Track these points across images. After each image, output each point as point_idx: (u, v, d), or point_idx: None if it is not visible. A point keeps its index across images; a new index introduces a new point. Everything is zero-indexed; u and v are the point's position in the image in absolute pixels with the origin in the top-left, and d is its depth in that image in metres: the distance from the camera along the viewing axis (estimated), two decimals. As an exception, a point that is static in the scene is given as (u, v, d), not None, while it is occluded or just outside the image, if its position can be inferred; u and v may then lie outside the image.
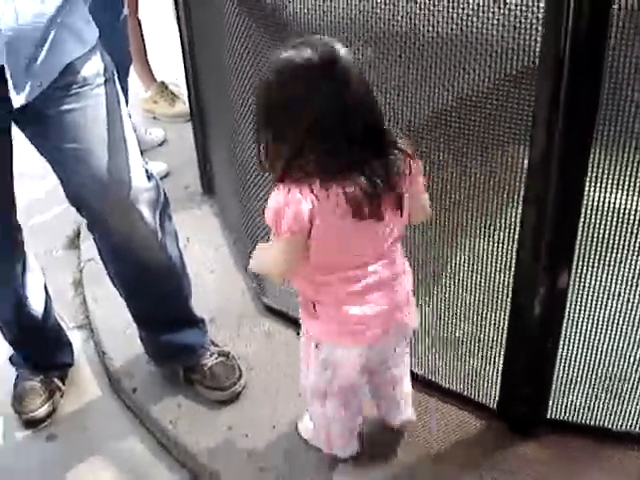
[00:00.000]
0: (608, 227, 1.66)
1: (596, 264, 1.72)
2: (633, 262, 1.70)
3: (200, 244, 2.81)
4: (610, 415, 1.96)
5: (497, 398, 2.03)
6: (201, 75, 2.90)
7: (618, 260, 1.71)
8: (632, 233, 1.65)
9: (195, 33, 2.81)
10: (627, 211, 1.65)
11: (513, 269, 1.82)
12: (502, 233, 1.81)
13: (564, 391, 1.97)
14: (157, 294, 2.12)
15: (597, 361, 1.89)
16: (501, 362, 1.98)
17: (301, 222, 1.49)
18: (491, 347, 2.01)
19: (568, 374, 1.94)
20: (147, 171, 1.97)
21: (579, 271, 1.75)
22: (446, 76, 1.71)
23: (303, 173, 1.47)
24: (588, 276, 1.76)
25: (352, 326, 1.67)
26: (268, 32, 2.01)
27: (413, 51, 1.71)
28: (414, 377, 2.16)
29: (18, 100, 1.75)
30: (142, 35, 3.68)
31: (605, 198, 1.63)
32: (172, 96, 3.90)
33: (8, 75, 1.71)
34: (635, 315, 1.78)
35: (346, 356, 1.72)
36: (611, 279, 1.75)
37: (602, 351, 1.87)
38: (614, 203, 1.64)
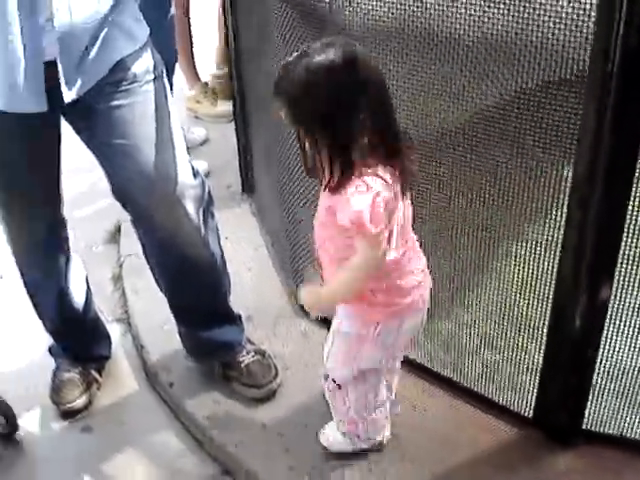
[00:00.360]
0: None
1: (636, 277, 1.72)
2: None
3: (239, 243, 2.83)
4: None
5: (534, 407, 2.03)
6: (245, 75, 2.92)
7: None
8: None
9: (241, 33, 2.84)
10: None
11: (554, 281, 1.82)
12: (545, 243, 1.81)
13: (600, 402, 1.96)
14: (198, 289, 2.14)
15: (634, 372, 1.88)
16: (539, 371, 1.97)
17: (390, 211, 1.54)
18: (529, 356, 2.01)
19: (605, 385, 1.93)
20: (193, 168, 1.99)
21: (620, 284, 1.75)
22: (493, 81, 1.72)
23: (363, 164, 1.51)
24: (629, 289, 1.76)
25: (412, 297, 1.74)
26: (314, 32, 2.02)
27: (462, 54, 1.71)
28: (451, 384, 2.17)
29: (69, 95, 1.78)
30: (190, 34, 3.72)
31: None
32: (215, 96, 3.94)
33: (60, 70, 1.75)
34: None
35: (410, 325, 1.79)
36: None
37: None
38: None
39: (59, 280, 2.24)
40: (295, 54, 1.53)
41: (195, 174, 1.99)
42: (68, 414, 2.39)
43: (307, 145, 1.57)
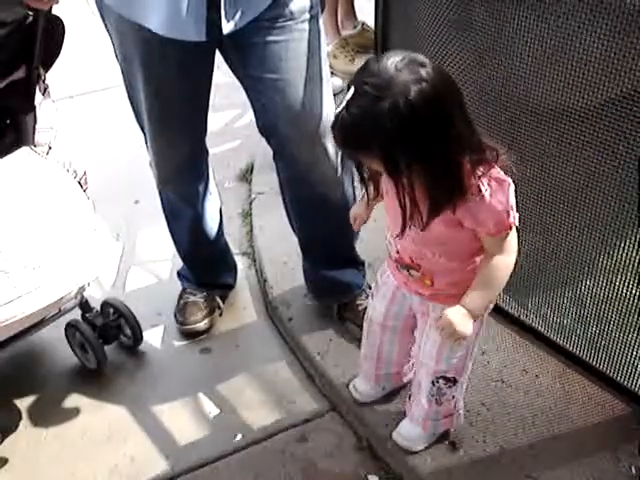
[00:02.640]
0: None
1: None
2: None
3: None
4: None
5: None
6: (391, 28, 2.93)
7: None
8: None
9: None
10: None
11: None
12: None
13: None
14: (328, 227, 2.21)
15: None
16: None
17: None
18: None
19: None
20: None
21: None
22: None
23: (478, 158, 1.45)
24: None
25: None
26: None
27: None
28: (565, 353, 2.15)
29: (228, 27, 1.85)
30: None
31: None
32: (353, 53, 3.96)
33: (222, 2, 1.81)
34: None
35: None
36: None
37: None
38: None
39: (196, 206, 2.35)
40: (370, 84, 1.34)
41: (339, 114, 2.04)
42: (190, 334, 2.52)
43: (403, 193, 1.44)
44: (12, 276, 1.88)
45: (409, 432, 2.01)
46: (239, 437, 2.17)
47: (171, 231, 2.47)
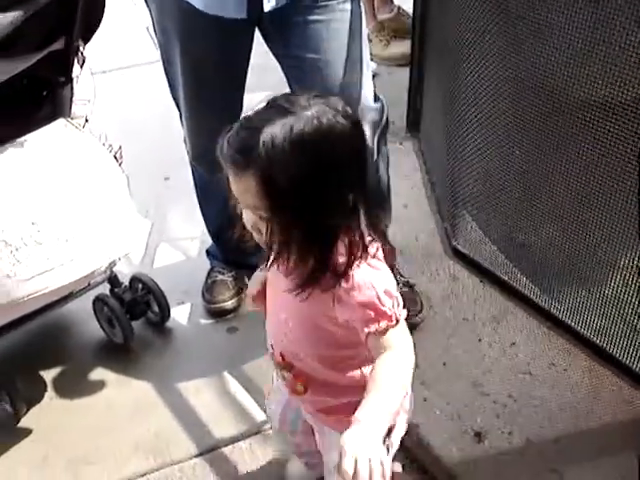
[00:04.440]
0: None
1: None
2: None
3: (398, 178, 2.85)
4: None
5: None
6: (430, 13, 2.90)
7: None
8: None
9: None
10: None
11: None
12: None
13: None
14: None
15: None
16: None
17: None
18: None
19: None
20: (375, 92, 2.02)
21: None
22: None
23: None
24: None
25: None
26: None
27: None
28: (594, 348, 2.13)
29: (269, 5, 1.84)
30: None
31: None
32: (388, 37, 3.93)
33: None
34: None
35: None
36: None
37: None
38: None
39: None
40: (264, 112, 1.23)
41: (377, 98, 2.02)
42: (217, 313, 2.52)
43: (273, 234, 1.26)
44: (46, 248, 1.88)
45: None
46: (263, 417, 2.17)
47: (202, 208, 2.46)
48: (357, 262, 1.26)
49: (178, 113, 2.23)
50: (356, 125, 1.23)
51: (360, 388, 1.31)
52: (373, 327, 1.28)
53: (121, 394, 2.32)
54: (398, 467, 2.02)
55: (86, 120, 2.04)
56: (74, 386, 2.37)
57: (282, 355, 1.45)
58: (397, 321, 1.29)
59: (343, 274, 1.25)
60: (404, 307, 2.21)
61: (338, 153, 1.20)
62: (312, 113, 1.18)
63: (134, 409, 2.26)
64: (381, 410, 1.25)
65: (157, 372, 2.37)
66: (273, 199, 1.20)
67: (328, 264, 1.25)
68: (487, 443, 1.97)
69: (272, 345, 1.48)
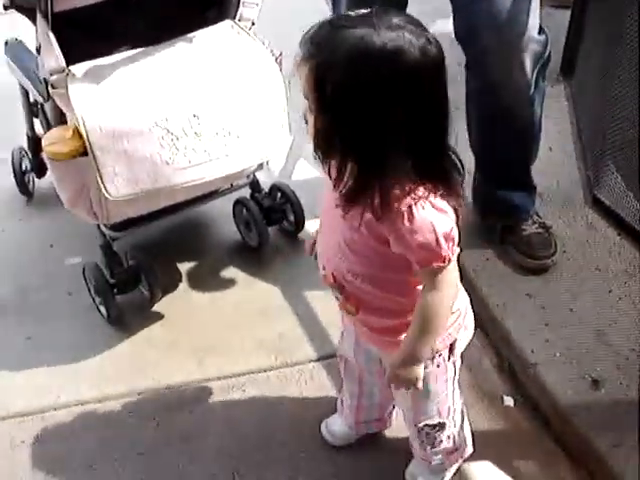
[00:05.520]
0: None
1: None
2: None
3: (546, 121, 2.74)
4: None
5: None
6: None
7: None
8: None
9: None
10: None
11: None
12: None
13: None
14: (508, 145, 2.17)
15: None
16: None
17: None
18: None
19: None
20: (541, 25, 1.98)
21: None
22: None
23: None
24: None
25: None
26: None
27: None
28: None
29: None
30: None
31: None
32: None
33: None
34: None
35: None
36: None
37: None
38: None
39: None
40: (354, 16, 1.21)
41: (541, 30, 1.98)
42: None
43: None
44: (204, 140, 1.96)
45: (418, 469, 1.85)
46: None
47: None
48: (420, 200, 1.25)
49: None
50: (432, 62, 1.20)
51: (408, 312, 1.41)
52: (426, 267, 1.33)
53: (249, 294, 2.43)
54: (510, 401, 2.05)
55: (252, 23, 2.09)
56: (206, 281, 2.49)
57: (334, 276, 1.48)
58: (449, 261, 1.32)
59: (387, 205, 1.25)
60: (538, 249, 2.21)
61: (396, 81, 1.17)
62: (392, 35, 1.16)
63: (261, 310, 2.36)
64: (420, 345, 1.42)
65: (286, 278, 2.46)
66: (320, 95, 1.21)
67: (366, 185, 1.24)
68: (603, 391, 1.96)
69: (324, 266, 1.50)
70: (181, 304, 2.42)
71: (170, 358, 2.26)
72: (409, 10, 2.19)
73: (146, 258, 2.36)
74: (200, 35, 2.01)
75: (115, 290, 2.30)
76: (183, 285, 2.48)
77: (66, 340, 2.33)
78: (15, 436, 2.07)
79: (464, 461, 1.86)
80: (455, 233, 1.30)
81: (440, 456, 1.77)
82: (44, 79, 2.03)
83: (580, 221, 2.44)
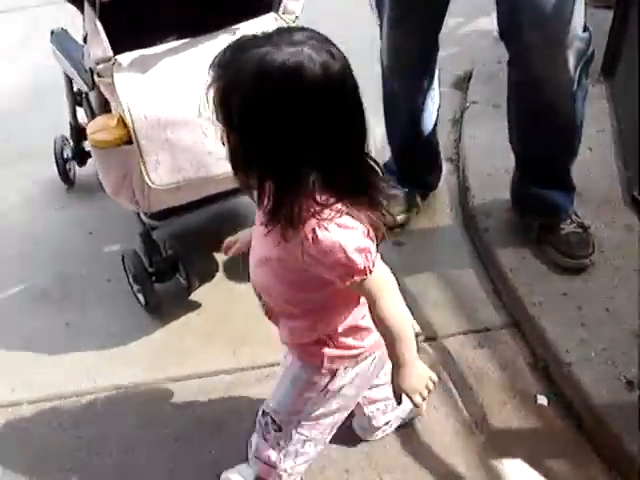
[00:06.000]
0: None
1: None
2: None
3: (586, 120, 2.76)
4: None
5: None
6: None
7: None
8: None
9: None
10: None
11: None
12: None
13: None
14: (550, 143, 2.16)
15: None
16: None
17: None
18: None
19: None
20: (585, 23, 1.97)
21: None
22: None
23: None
24: None
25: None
26: None
27: None
28: None
29: None
30: None
31: None
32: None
33: None
34: None
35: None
36: None
37: None
38: None
39: (417, 99, 2.38)
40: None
41: (585, 28, 1.97)
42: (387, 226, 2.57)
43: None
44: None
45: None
46: (417, 329, 2.22)
47: (387, 122, 2.50)
48: (324, 222, 1.27)
49: (379, 24, 2.27)
50: (335, 76, 1.21)
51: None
52: (348, 282, 1.35)
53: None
54: (543, 400, 2.05)
55: (296, 17, 2.10)
56: (242, 272, 2.48)
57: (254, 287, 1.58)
58: (371, 271, 1.34)
59: (292, 224, 1.27)
60: (576, 248, 2.19)
61: (298, 96, 1.19)
62: (292, 50, 1.19)
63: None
64: (400, 347, 1.44)
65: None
66: (228, 115, 1.24)
67: (280, 203, 1.26)
68: (638, 393, 1.95)
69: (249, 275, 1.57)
70: (218, 293, 2.44)
71: (206, 346, 2.28)
72: (451, 8, 2.21)
73: (184, 247, 2.38)
74: (243, 27, 2.02)
75: (153, 278, 2.33)
76: (220, 275, 2.50)
77: (104, 326, 2.38)
78: (52, 419, 2.12)
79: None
80: (368, 243, 1.32)
81: (256, 455, 1.72)
82: (90, 68, 2.06)
83: (618, 222, 2.42)
